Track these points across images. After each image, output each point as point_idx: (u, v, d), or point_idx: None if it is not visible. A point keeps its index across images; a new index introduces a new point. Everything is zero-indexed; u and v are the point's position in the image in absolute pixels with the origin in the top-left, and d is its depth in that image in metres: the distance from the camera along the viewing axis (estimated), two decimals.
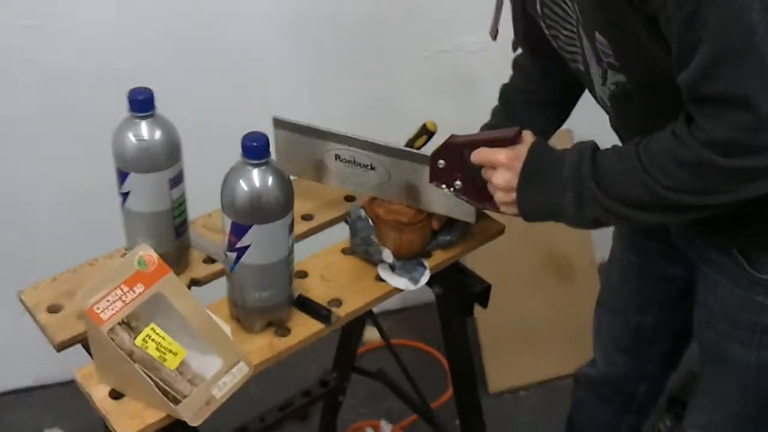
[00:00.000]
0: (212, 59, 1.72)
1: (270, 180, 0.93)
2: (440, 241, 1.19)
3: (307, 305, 1.07)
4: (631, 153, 0.91)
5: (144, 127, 1.00)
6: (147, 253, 0.89)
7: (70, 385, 0.98)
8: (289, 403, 1.62)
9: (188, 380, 0.94)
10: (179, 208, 1.06)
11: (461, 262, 1.25)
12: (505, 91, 1.27)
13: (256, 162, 0.92)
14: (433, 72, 1.96)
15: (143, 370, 0.90)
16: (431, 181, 1.09)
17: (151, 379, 0.91)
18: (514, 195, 1.00)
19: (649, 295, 1.33)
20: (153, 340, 0.90)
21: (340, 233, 1.23)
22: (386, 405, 1.95)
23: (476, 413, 1.39)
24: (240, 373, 0.94)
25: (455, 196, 1.09)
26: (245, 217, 0.93)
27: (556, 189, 0.96)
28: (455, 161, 1.06)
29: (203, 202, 1.19)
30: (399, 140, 1.40)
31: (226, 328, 1.01)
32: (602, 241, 2.41)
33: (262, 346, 1.02)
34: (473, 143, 1.04)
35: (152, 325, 0.90)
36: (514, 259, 2.10)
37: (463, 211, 1.14)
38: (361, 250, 1.15)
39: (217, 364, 0.94)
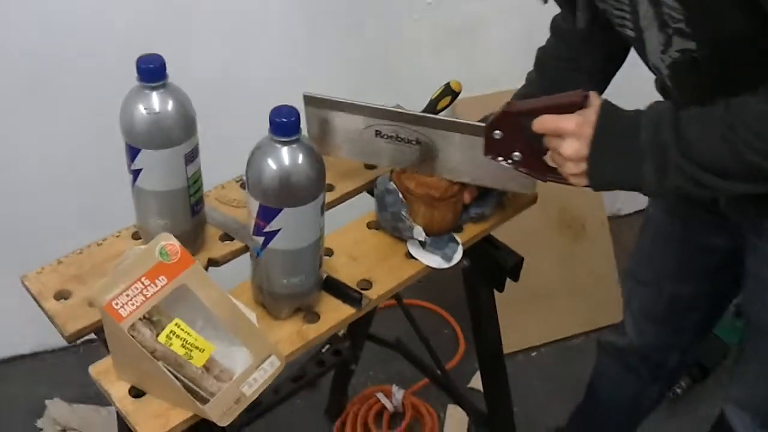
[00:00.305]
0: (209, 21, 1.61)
1: (301, 159, 0.84)
2: (472, 215, 1.11)
3: (336, 288, 0.99)
4: (717, 117, 0.83)
5: (155, 99, 0.90)
6: (169, 242, 0.81)
7: (71, 350, 0.91)
8: (302, 374, 1.56)
9: (215, 376, 0.87)
10: (195, 184, 0.97)
11: (492, 234, 1.18)
12: (541, 57, 1.17)
13: (286, 140, 0.83)
14: (431, 26, 1.86)
15: (168, 368, 0.83)
16: (486, 154, 1.00)
17: (177, 378, 0.83)
18: (584, 165, 0.91)
19: (687, 266, 1.27)
20: (178, 336, 0.83)
21: (364, 204, 1.15)
22: (396, 368, 1.90)
23: (503, 392, 1.34)
24: (272, 367, 0.87)
25: (514, 169, 1.00)
26: (275, 199, 0.85)
27: (633, 157, 0.87)
28: (513, 131, 0.97)
29: (215, 172, 1.10)
30: (406, 103, 1.31)
31: (251, 315, 0.94)
32: (611, 196, 2.38)
33: (291, 333, 0.95)
34: (534, 110, 0.94)
35: (176, 320, 0.83)
36: (524, 218, 2.03)
37: (520, 183, 1.06)
38: (390, 226, 1.07)
39: (246, 358, 0.87)
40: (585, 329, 2.09)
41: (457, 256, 1.07)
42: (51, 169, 1.66)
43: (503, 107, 0.97)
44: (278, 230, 0.87)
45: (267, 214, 0.86)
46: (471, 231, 1.12)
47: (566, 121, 0.91)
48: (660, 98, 1.12)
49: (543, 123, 0.93)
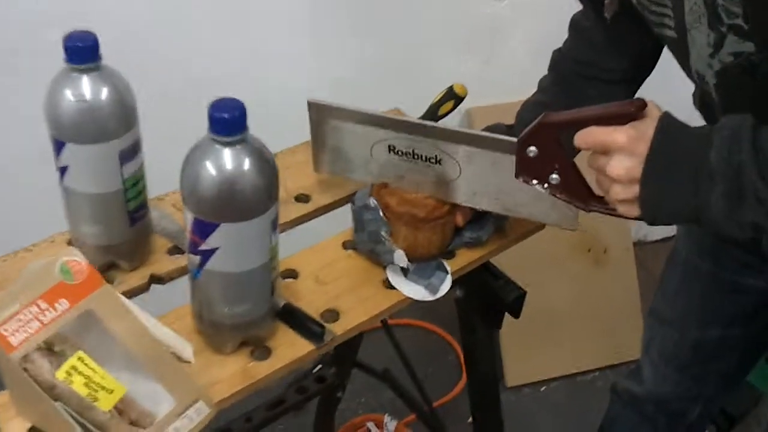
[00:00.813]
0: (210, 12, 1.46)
1: (247, 164, 0.69)
2: (466, 239, 0.95)
3: (294, 318, 0.84)
4: None
5: (86, 84, 0.75)
6: (72, 258, 0.66)
7: None
8: (280, 400, 1.41)
9: (131, 421, 0.72)
10: (134, 188, 0.82)
11: (491, 262, 1.02)
12: (558, 60, 1.01)
13: (228, 139, 0.68)
14: (454, 26, 1.70)
15: (67, 411, 0.68)
16: (518, 175, 0.83)
17: (78, 423, 0.68)
18: (636, 189, 0.73)
19: (716, 308, 1.11)
20: (80, 373, 0.68)
21: (343, 220, 0.99)
22: (390, 395, 1.73)
23: None
24: (198, 415, 0.72)
25: (551, 195, 0.82)
26: (211, 212, 0.69)
27: (700, 181, 0.70)
28: (551, 147, 0.80)
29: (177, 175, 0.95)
30: (416, 108, 1.15)
31: (186, 347, 0.78)
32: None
33: (234, 372, 0.79)
34: (577, 121, 0.77)
35: (79, 353, 0.68)
36: (538, 239, 1.87)
37: (561, 214, 0.88)
38: (367, 248, 0.91)
39: (170, 400, 0.72)
40: (600, 365, 1.92)
41: (445, 286, 0.91)
42: None
43: (540, 118, 0.80)
44: (215, 249, 0.71)
45: (202, 228, 0.70)
46: (465, 257, 0.96)
47: (616, 134, 0.73)
48: (699, 115, 0.96)
49: (587, 136, 0.76)
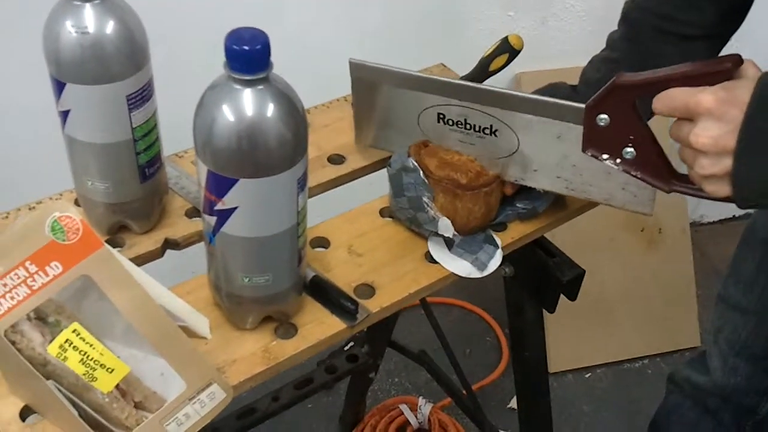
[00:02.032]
0: None
1: (271, 108, 0.58)
2: (520, 210, 0.84)
3: (324, 293, 0.74)
4: None
5: (88, 14, 0.65)
6: (66, 214, 0.56)
7: None
8: (308, 379, 1.32)
9: (136, 403, 0.63)
10: (146, 139, 0.72)
11: (546, 237, 0.90)
12: (631, 11, 0.87)
13: (248, 78, 0.57)
14: None
15: (62, 390, 0.59)
16: (586, 148, 0.71)
17: (75, 404, 0.59)
18: (727, 162, 0.62)
19: None
20: (75, 348, 0.58)
21: (381, 185, 0.89)
22: (426, 377, 1.64)
23: (544, 427, 1.06)
24: (211, 400, 0.62)
25: (623, 172, 0.71)
26: (229, 166, 0.59)
27: None
28: (626, 115, 0.68)
29: None
30: (463, 65, 1.03)
31: (203, 322, 0.69)
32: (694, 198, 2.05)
33: (255, 351, 0.70)
34: (658, 82, 0.65)
35: (74, 325, 0.58)
36: (588, 218, 1.74)
37: (635, 196, 0.77)
38: (407, 216, 0.80)
39: (181, 382, 0.62)
40: (649, 352, 1.79)
41: (494, 263, 0.80)
42: None
43: (612, 80, 0.68)
44: (234, 209, 0.61)
45: (219, 185, 0.60)
46: (517, 230, 0.84)
47: (702, 96, 0.62)
48: None
49: (668, 99, 0.64)
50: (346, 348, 1.39)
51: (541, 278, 0.90)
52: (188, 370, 0.61)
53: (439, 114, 0.81)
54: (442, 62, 1.08)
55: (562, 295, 0.91)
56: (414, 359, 1.30)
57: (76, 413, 0.59)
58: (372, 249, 0.80)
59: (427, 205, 0.78)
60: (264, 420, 1.27)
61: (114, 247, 0.77)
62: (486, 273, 0.80)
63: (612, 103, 0.68)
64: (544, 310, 0.96)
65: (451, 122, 0.80)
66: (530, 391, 1.05)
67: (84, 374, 0.59)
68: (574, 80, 0.91)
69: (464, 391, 1.25)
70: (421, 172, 0.78)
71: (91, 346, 0.59)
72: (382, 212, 0.84)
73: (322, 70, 1.41)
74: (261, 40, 0.56)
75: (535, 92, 0.90)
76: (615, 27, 0.90)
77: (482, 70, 0.99)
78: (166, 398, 0.63)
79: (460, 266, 0.78)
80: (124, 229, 0.77)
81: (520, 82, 1.68)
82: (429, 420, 1.58)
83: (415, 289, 0.77)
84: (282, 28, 1.38)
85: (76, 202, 0.80)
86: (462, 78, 1.02)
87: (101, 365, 0.59)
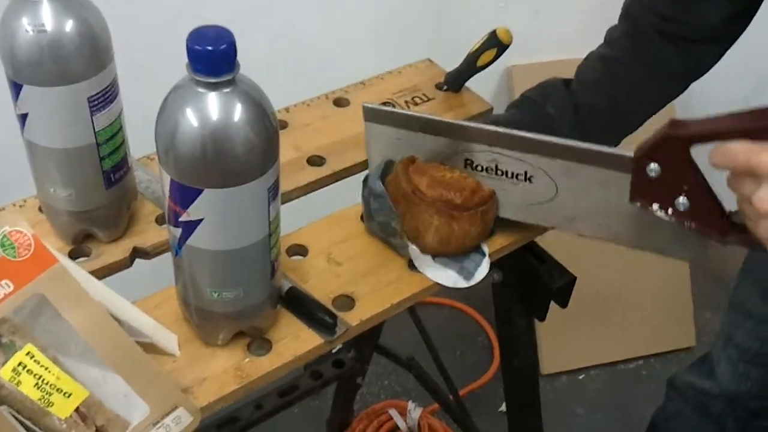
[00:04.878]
0: None
1: (237, 112, 0.54)
2: None
3: (300, 305, 0.70)
4: None
5: (46, 11, 0.61)
6: (16, 229, 0.52)
7: None
8: (293, 386, 1.28)
9: (98, 427, 0.59)
10: (111, 142, 0.68)
11: (536, 242, 0.86)
12: (632, 8, 0.83)
13: (213, 80, 0.53)
14: None
15: (16, 416, 0.55)
16: (634, 199, 0.67)
17: (29, 430, 0.55)
18: None
19: None
20: (30, 371, 0.54)
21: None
22: (415, 380, 1.62)
23: None
24: (177, 425, 0.58)
25: (675, 222, 0.66)
26: (193, 175, 0.55)
27: None
28: (680, 165, 0.63)
29: None
30: (451, 59, 0.99)
31: (170, 338, 0.65)
32: None
33: (226, 369, 0.66)
34: (717, 134, 0.60)
35: (28, 346, 0.54)
36: None
37: (686, 245, 0.72)
38: (381, 237, 0.76)
39: (145, 406, 0.59)
40: (645, 353, 1.76)
41: (482, 271, 0.76)
42: None
43: (665, 128, 0.63)
44: (200, 221, 0.57)
45: (183, 195, 0.56)
46: (505, 236, 0.80)
47: (766, 155, 0.57)
48: None
49: (728, 155, 0.59)
50: (333, 351, 1.35)
51: (530, 285, 0.86)
52: (151, 392, 0.57)
53: (466, 160, 0.75)
54: (429, 57, 1.04)
55: (553, 302, 0.88)
56: (401, 365, 1.26)
57: None
58: (352, 257, 0.76)
59: (396, 230, 0.73)
60: (247, 429, 1.23)
61: (80, 256, 0.73)
62: (472, 283, 0.76)
63: (664, 152, 0.63)
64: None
65: (480, 168, 0.75)
66: (520, 401, 1.01)
67: (39, 399, 0.55)
68: (568, 73, 0.86)
69: (452, 397, 1.21)
70: (388, 199, 0.73)
71: (46, 369, 0.55)
72: (364, 217, 0.80)
73: (306, 66, 1.37)
74: (226, 39, 0.52)
75: (526, 92, 0.86)
76: (609, 18, 0.86)
77: (469, 66, 0.95)
78: (131, 421, 0.60)
79: (445, 276, 0.75)
80: (90, 237, 0.73)
81: (511, 75, 1.64)
82: (419, 424, 1.54)
83: (397, 299, 0.73)
84: (266, 24, 1.35)
85: (41, 210, 0.76)
86: (448, 74, 0.98)
87: (57, 389, 0.55)
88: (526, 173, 0.73)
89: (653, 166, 0.64)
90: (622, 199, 0.68)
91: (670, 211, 0.66)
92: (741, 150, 0.58)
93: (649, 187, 0.66)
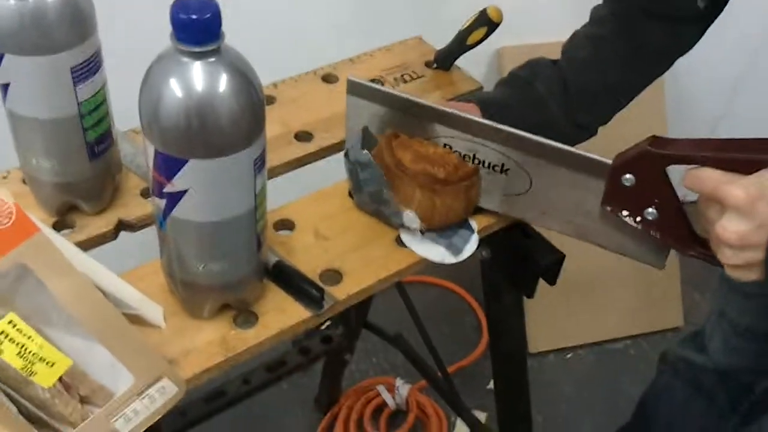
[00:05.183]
0: None
1: (223, 82, 0.54)
2: None
3: (287, 279, 0.70)
4: None
5: None
6: None
7: None
8: (281, 361, 1.28)
9: (81, 397, 0.59)
10: (94, 114, 0.67)
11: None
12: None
13: (197, 50, 0.52)
14: None
15: None
16: (605, 203, 0.70)
17: (13, 400, 0.55)
18: (752, 255, 0.62)
19: None
20: (12, 340, 0.54)
21: None
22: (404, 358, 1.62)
23: (522, 416, 1.03)
24: (161, 395, 0.58)
25: (642, 230, 0.69)
26: (177, 145, 0.54)
27: None
28: (654, 179, 0.67)
29: None
30: (441, 37, 0.99)
31: (156, 310, 0.65)
32: (679, 178, 2.02)
33: (211, 341, 0.66)
34: (693, 160, 0.64)
35: (10, 315, 0.54)
36: None
37: (647, 250, 0.74)
38: (371, 209, 0.76)
39: (129, 376, 0.59)
40: (633, 332, 1.77)
41: (470, 248, 0.76)
42: None
43: (645, 146, 0.66)
44: (184, 191, 0.57)
45: (167, 166, 0.56)
46: (495, 213, 0.80)
47: (733, 189, 0.61)
48: None
49: (698, 181, 0.64)
50: (322, 328, 1.36)
51: (519, 262, 0.86)
52: (136, 362, 0.57)
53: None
54: (420, 35, 1.04)
55: (541, 280, 0.88)
56: (390, 341, 1.27)
57: (14, 410, 0.55)
58: (340, 232, 0.76)
59: (387, 199, 0.73)
60: (234, 404, 1.24)
61: (64, 228, 0.73)
62: (461, 258, 0.76)
63: (641, 166, 0.67)
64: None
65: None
66: (508, 378, 1.02)
67: (22, 368, 0.55)
68: (558, 55, 0.86)
69: (440, 374, 1.22)
70: (377, 166, 0.73)
71: (29, 338, 0.55)
72: (352, 193, 0.80)
73: (295, 43, 1.36)
74: (211, 7, 0.52)
75: (514, 70, 0.86)
76: (599, 2, 0.86)
77: (459, 44, 0.95)
78: (115, 392, 0.60)
79: (434, 251, 0.75)
80: (74, 209, 0.73)
81: (502, 56, 1.63)
82: (407, 401, 1.55)
83: (384, 275, 0.73)
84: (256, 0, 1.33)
85: (24, 182, 0.75)
86: (438, 51, 0.98)
87: (40, 358, 0.55)
88: (503, 165, 0.75)
89: (629, 177, 0.68)
90: (592, 201, 0.71)
91: (638, 219, 0.69)
92: (711, 178, 0.62)
93: (622, 195, 0.69)
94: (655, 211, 0.68)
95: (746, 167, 0.61)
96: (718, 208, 0.63)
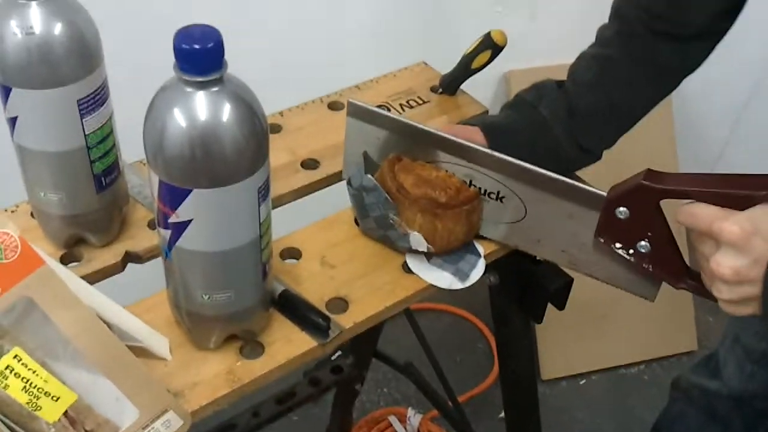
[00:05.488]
0: None
1: (226, 112, 0.54)
2: None
3: (293, 308, 0.69)
4: None
5: (35, 13, 0.61)
6: (3, 231, 0.52)
7: None
8: (291, 393, 1.27)
9: (87, 431, 0.58)
10: (101, 146, 0.68)
11: None
12: (623, 7, 0.83)
13: (200, 79, 0.53)
14: None
15: (4, 421, 0.54)
16: (599, 235, 0.71)
17: None
18: (749, 291, 0.62)
19: None
20: (17, 374, 0.54)
21: None
22: (415, 387, 1.61)
23: None
24: (168, 428, 0.58)
25: (634, 262, 0.70)
26: (182, 175, 0.54)
27: None
28: (648, 213, 0.67)
29: None
30: (446, 62, 0.99)
31: (162, 342, 0.64)
32: None
33: (218, 372, 0.65)
34: (687, 195, 0.64)
35: (16, 350, 0.54)
36: None
37: (640, 282, 0.74)
38: (377, 235, 0.76)
39: (134, 409, 0.58)
40: (645, 357, 1.75)
41: (477, 273, 0.76)
42: None
43: (640, 180, 0.66)
44: (189, 221, 0.56)
45: (172, 196, 0.56)
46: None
47: (727, 225, 0.61)
48: None
49: (692, 216, 0.64)
50: (333, 358, 1.35)
51: (527, 287, 0.85)
52: (141, 396, 0.57)
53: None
54: (424, 60, 1.04)
55: (550, 305, 0.87)
56: (400, 371, 1.26)
57: None
58: (346, 260, 0.75)
59: (395, 222, 0.73)
60: None
61: (71, 261, 0.73)
62: (468, 284, 0.75)
63: (635, 200, 0.67)
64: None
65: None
66: (519, 405, 1.00)
67: (27, 403, 0.54)
68: (565, 77, 0.86)
69: (450, 403, 1.20)
70: (382, 191, 0.72)
71: (34, 372, 0.54)
72: (358, 220, 0.80)
73: (302, 71, 1.37)
74: (213, 37, 0.52)
75: (520, 93, 0.86)
76: (605, 22, 0.86)
77: (464, 68, 0.95)
78: (120, 425, 0.59)
79: (440, 277, 0.74)
80: (81, 242, 0.73)
81: (509, 80, 1.64)
82: (419, 431, 1.53)
83: (391, 302, 0.72)
84: (261, 28, 1.35)
85: (33, 215, 0.75)
86: (444, 76, 0.98)
87: (46, 393, 0.55)
88: (498, 193, 0.75)
89: (623, 210, 0.68)
90: (586, 231, 0.71)
91: (631, 251, 0.70)
92: (706, 214, 0.62)
93: (615, 227, 0.69)
94: (648, 244, 0.68)
95: (740, 203, 0.61)
96: (712, 243, 0.63)
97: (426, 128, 0.75)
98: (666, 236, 0.68)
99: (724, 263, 0.61)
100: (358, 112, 0.76)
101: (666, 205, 0.67)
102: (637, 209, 0.67)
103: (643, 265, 0.70)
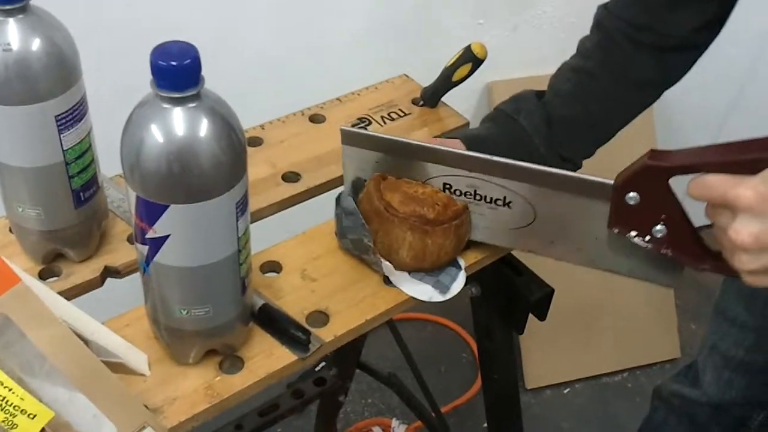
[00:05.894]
0: None
1: (204, 127, 0.54)
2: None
3: (273, 322, 0.69)
4: None
5: (12, 30, 0.61)
6: None
7: None
8: (274, 405, 1.27)
9: None
10: (79, 161, 0.68)
11: (513, 254, 0.86)
12: (604, 19, 0.83)
13: (177, 95, 0.53)
14: None
15: None
16: (612, 225, 0.69)
17: None
18: None
19: None
20: None
21: None
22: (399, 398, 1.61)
23: None
24: None
25: (652, 249, 0.68)
26: (158, 191, 0.54)
27: None
28: (658, 194, 0.65)
29: None
30: (428, 74, 1.00)
31: (140, 357, 0.64)
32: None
33: (197, 387, 0.65)
34: (695, 167, 0.62)
35: None
36: None
37: (660, 270, 0.72)
38: (355, 254, 0.76)
39: (112, 426, 0.58)
40: (629, 365, 1.76)
41: (458, 285, 0.76)
42: None
43: (645, 160, 0.64)
44: (166, 237, 0.56)
45: (149, 211, 0.56)
46: (481, 249, 0.80)
47: (741, 190, 0.58)
48: None
49: (704, 187, 0.61)
50: (317, 369, 1.35)
51: (508, 298, 0.86)
52: (118, 412, 0.56)
53: (445, 184, 0.75)
54: (406, 73, 1.05)
55: (532, 315, 0.88)
56: (383, 382, 1.25)
57: None
58: (327, 273, 0.75)
59: (369, 247, 0.73)
60: None
61: (50, 276, 0.72)
62: (448, 296, 0.76)
63: (644, 182, 0.65)
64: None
65: (458, 192, 0.75)
66: (501, 415, 1.01)
67: (3, 421, 0.54)
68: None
69: (434, 414, 1.21)
70: (360, 216, 0.72)
71: (10, 390, 0.54)
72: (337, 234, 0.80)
73: (282, 83, 1.37)
74: (190, 54, 0.52)
75: (500, 105, 0.86)
76: (588, 33, 0.87)
77: (445, 81, 0.96)
78: None
79: (421, 290, 0.74)
80: (60, 257, 0.73)
81: (491, 91, 1.65)
82: None
83: (372, 315, 0.72)
84: (243, 43, 1.35)
85: (11, 230, 0.75)
86: (425, 89, 0.99)
87: (22, 411, 0.54)
88: (504, 198, 0.73)
89: (632, 195, 0.66)
90: (599, 225, 0.69)
91: (647, 238, 0.67)
92: (718, 183, 0.60)
93: (628, 214, 0.67)
94: (663, 227, 0.66)
95: (751, 168, 0.59)
96: (728, 213, 0.60)
97: (424, 144, 0.75)
98: (680, 216, 0.66)
99: (742, 230, 0.58)
100: (352, 138, 0.75)
101: (676, 189, 0.66)
102: (647, 192, 0.65)
103: (662, 250, 0.67)
